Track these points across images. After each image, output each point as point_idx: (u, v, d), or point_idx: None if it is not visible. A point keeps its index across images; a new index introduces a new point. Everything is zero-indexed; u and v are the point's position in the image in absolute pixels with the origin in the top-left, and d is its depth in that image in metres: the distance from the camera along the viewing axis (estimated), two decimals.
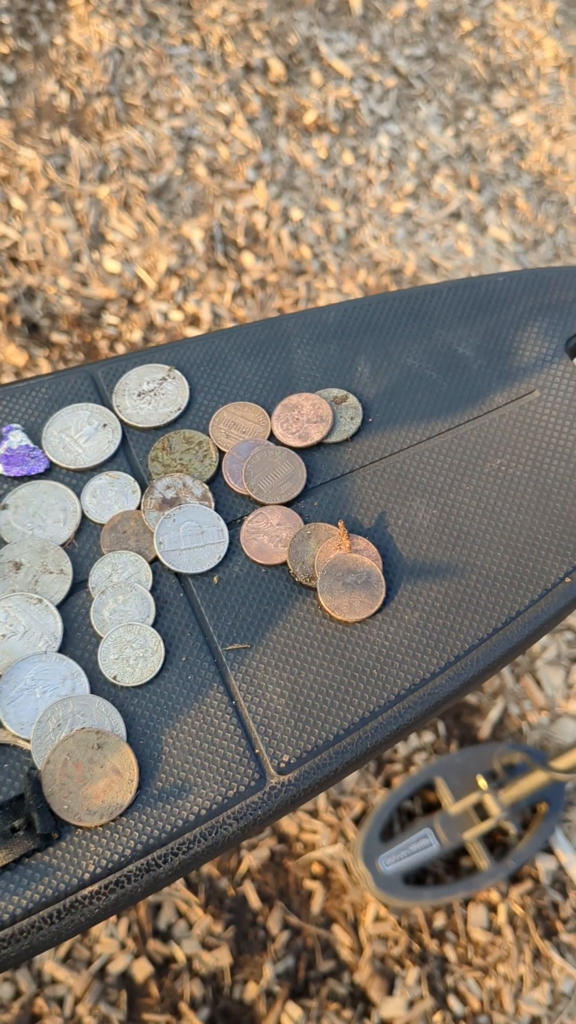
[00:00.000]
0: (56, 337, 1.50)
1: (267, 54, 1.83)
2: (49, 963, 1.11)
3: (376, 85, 1.85)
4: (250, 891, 1.18)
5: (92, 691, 0.55)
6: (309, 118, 1.78)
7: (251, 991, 1.13)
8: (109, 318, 1.53)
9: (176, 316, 1.55)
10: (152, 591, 0.59)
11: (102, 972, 1.12)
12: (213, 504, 0.62)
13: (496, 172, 1.81)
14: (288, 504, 0.63)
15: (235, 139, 1.73)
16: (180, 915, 1.16)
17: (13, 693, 0.54)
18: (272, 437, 0.65)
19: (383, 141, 1.79)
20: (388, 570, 0.60)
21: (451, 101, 1.87)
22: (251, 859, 1.19)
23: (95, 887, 0.50)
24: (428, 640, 0.58)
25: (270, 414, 0.66)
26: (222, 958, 1.14)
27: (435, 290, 0.68)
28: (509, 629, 0.58)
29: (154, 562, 0.60)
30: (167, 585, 0.60)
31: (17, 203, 1.59)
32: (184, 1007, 1.11)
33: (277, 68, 1.82)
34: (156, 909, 1.15)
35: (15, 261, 1.55)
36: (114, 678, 0.56)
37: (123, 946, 1.13)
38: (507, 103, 1.89)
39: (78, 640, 0.57)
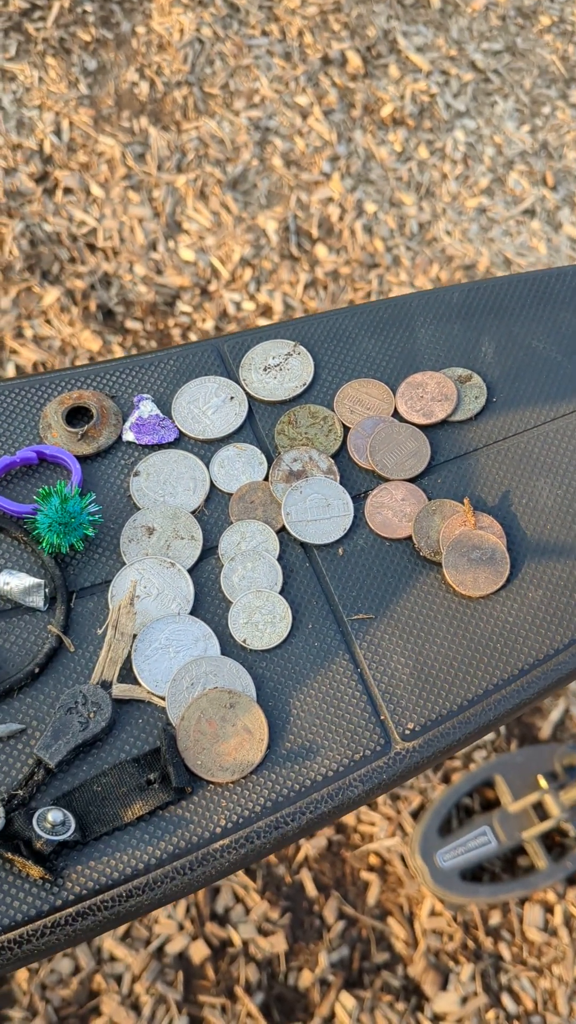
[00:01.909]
0: (130, 324, 1.52)
1: (345, 46, 1.83)
2: (108, 941, 1.12)
3: (453, 79, 1.85)
4: (307, 880, 1.18)
5: (222, 653, 0.57)
6: (386, 111, 1.79)
7: (306, 979, 1.13)
8: (182, 306, 1.55)
9: (248, 306, 1.56)
10: (279, 559, 0.60)
11: (160, 952, 1.12)
12: (338, 478, 0.63)
13: (572, 169, 1.80)
14: (412, 480, 0.64)
15: (311, 131, 1.74)
16: (238, 900, 1.16)
17: (148, 652, 0.55)
18: (396, 414, 0.66)
19: (459, 136, 1.79)
20: (512, 548, 0.61)
21: (528, 97, 1.87)
22: (309, 848, 1.20)
23: (226, 841, 0.51)
24: (552, 617, 0.59)
25: (394, 391, 0.67)
26: (278, 944, 1.14)
27: (560, 273, 0.69)
28: None
29: (281, 532, 0.61)
30: (293, 555, 0.61)
31: (96, 190, 1.61)
32: (239, 991, 1.11)
33: (355, 60, 1.82)
34: (214, 893, 1.16)
35: (92, 248, 1.57)
36: (243, 641, 0.57)
37: (181, 927, 1.14)
38: None
39: (208, 604, 0.58)
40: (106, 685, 0.54)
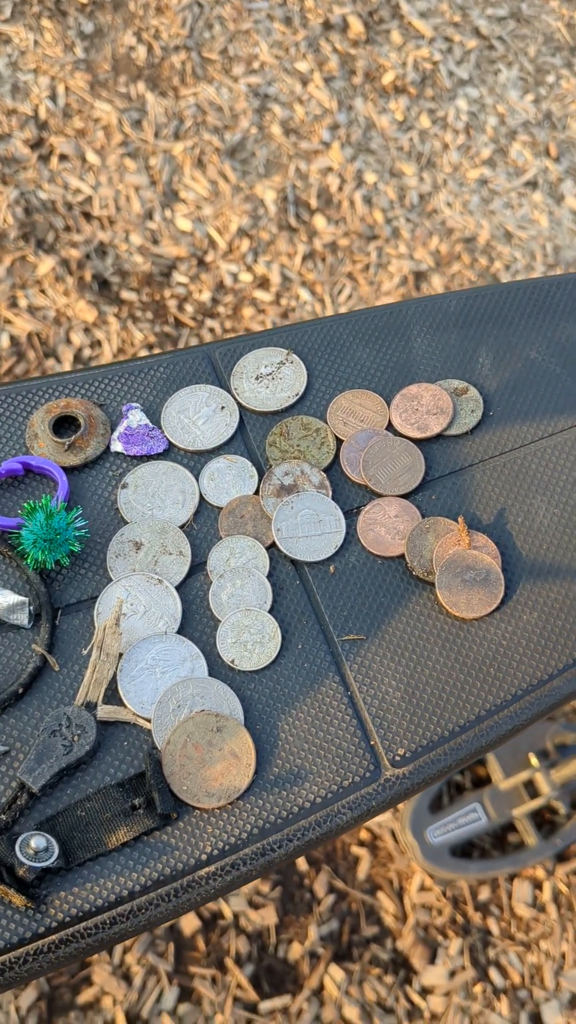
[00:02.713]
0: (126, 295, 1.49)
1: (347, 11, 1.79)
2: None
3: (456, 46, 1.81)
4: None
5: (210, 674, 0.56)
6: (387, 79, 1.74)
7: (295, 951, 1.14)
8: (179, 277, 1.52)
9: (245, 277, 1.54)
10: (269, 577, 0.59)
11: None
12: (330, 493, 0.62)
13: None
14: (406, 496, 0.63)
15: (311, 98, 1.70)
16: None
17: (134, 672, 0.54)
18: (390, 427, 0.65)
19: (461, 105, 1.75)
20: (507, 568, 0.60)
21: (532, 65, 1.82)
22: None
23: (211, 868, 0.51)
24: (547, 641, 0.58)
25: (388, 403, 0.66)
26: (268, 917, 1.15)
27: (562, 281, 0.67)
28: None
29: (271, 548, 0.60)
30: (284, 572, 0.60)
31: (92, 157, 1.57)
32: (229, 962, 1.12)
33: (357, 26, 1.77)
34: None
35: (88, 216, 1.54)
36: (232, 662, 0.56)
37: None
38: None
39: (196, 622, 0.57)
40: (91, 707, 0.53)
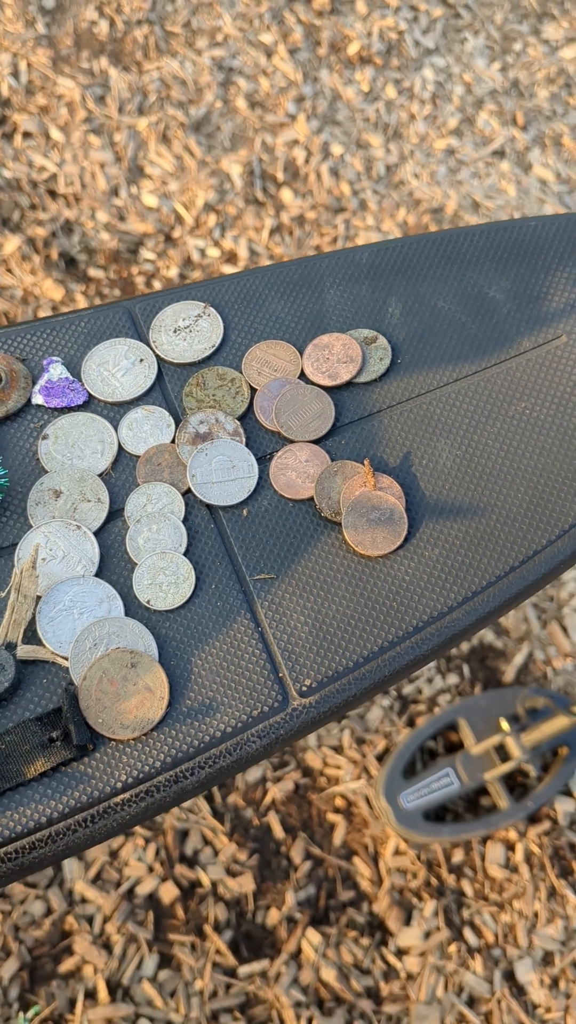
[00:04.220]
0: (93, 272, 1.50)
1: None
2: (80, 883, 1.14)
3: (422, 15, 1.81)
4: (274, 822, 1.20)
5: (127, 614, 0.58)
6: (352, 49, 1.75)
7: (273, 917, 1.15)
8: (146, 253, 1.53)
9: (213, 253, 1.55)
10: (184, 521, 0.61)
11: (130, 893, 1.15)
12: (244, 440, 0.64)
13: (543, 108, 1.77)
14: (316, 441, 0.65)
15: (276, 71, 1.70)
16: (206, 842, 1.18)
17: (53, 613, 0.56)
18: (303, 376, 0.67)
19: (427, 74, 1.75)
20: (411, 508, 0.62)
21: (499, 33, 1.82)
22: (276, 791, 1.21)
23: (126, 795, 0.53)
24: (447, 576, 0.60)
25: (301, 353, 0.68)
26: (246, 884, 1.16)
27: (469, 232, 0.69)
28: (526, 568, 0.60)
29: (187, 494, 0.62)
30: (199, 516, 0.62)
31: (56, 134, 1.58)
32: (208, 929, 1.14)
33: None
34: (183, 836, 1.18)
35: (53, 194, 1.55)
36: (147, 602, 0.58)
37: (151, 870, 1.16)
38: (557, 35, 1.84)
39: (114, 565, 0.59)
40: (10, 647, 0.55)
